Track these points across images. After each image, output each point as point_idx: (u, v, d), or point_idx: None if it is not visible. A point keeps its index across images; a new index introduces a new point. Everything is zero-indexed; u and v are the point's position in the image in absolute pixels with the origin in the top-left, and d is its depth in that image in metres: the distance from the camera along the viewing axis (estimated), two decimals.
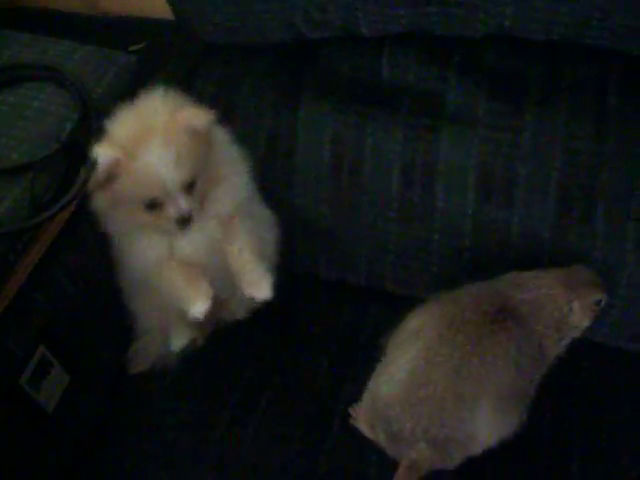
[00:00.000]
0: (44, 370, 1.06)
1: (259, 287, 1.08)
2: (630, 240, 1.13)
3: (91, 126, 1.11)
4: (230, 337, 1.23)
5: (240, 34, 1.25)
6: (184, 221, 1.04)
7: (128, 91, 1.15)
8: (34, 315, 1.05)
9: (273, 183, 1.24)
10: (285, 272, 1.15)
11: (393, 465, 1.05)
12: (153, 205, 1.04)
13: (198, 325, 1.16)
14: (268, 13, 1.20)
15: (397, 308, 1.10)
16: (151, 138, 1.01)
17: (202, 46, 1.32)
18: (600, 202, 1.13)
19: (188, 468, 1.10)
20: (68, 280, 1.10)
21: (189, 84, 1.30)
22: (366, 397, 1.10)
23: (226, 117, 1.25)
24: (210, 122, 1.04)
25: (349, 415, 1.12)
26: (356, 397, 1.12)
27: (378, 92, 1.21)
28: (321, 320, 1.26)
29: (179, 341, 1.22)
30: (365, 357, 1.12)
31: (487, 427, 1.02)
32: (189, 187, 1.04)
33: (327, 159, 1.23)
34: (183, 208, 1.03)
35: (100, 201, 1.04)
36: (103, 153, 1.00)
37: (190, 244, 1.10)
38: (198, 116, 1.04)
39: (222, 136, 1.11)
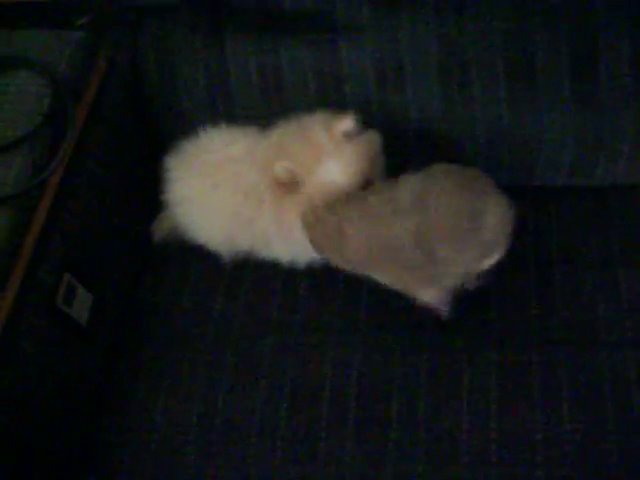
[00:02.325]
0: (72, 292, 1.25)
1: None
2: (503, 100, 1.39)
3: (65, 99, 1.27)
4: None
5: None
6: None
7: (85, 64, 1.35)
8: (55, 251, 1.22)
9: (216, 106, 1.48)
10: None
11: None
12: None
13: None
14: None
15: None
16: (321, 155, 1.23)
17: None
18: (473, 70, 1.38)
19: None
20: (78, 222, 1.28)
21: (134, 44, 1.48)
22: None
23: (168, 62, 1.46)
24: (354, 121, 1.23)
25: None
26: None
27: (282, 20, 1.41)
28: None
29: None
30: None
31: None
32: None
33: (255, 82, 1.44)
34: None
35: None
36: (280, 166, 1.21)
37: None
38: (344, 119, 1.23)
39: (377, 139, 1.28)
